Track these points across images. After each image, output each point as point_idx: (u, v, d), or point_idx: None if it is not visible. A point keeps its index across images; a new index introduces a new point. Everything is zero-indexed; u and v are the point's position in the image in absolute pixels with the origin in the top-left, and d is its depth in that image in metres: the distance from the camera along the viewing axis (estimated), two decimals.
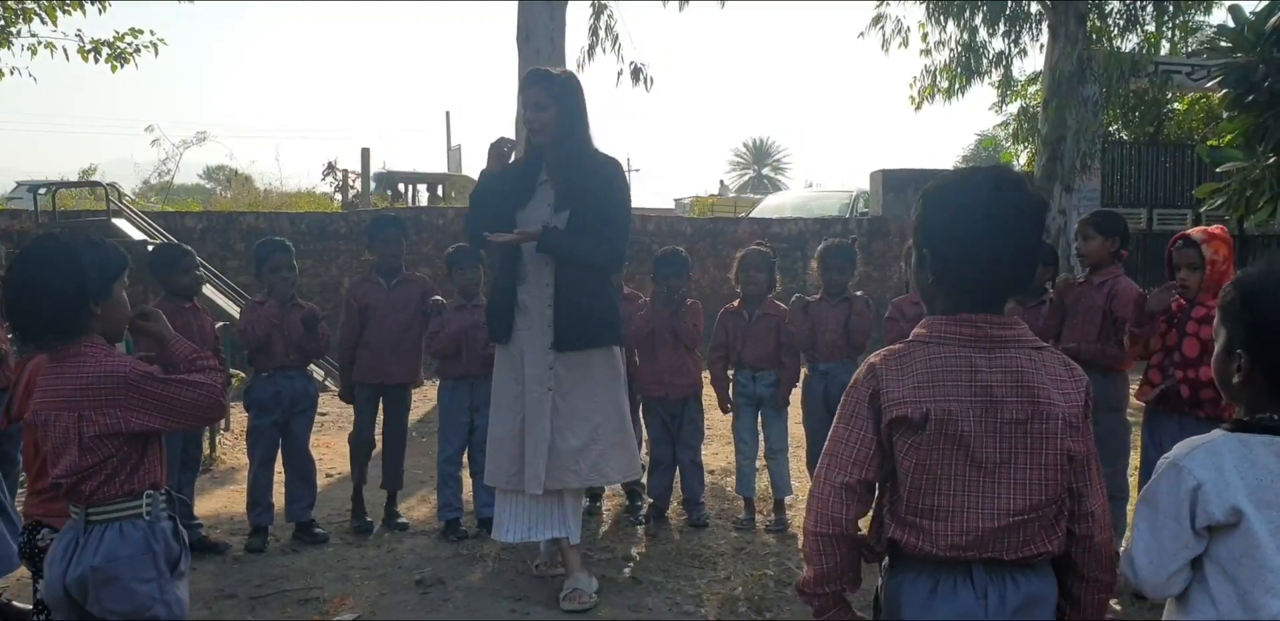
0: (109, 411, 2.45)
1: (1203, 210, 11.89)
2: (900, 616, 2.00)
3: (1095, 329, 4.56)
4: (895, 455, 1.96)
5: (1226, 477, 1.86)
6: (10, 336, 4.25)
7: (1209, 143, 13.51)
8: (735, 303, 5.50)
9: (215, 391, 2.60)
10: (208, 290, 10.57)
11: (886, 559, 2.07)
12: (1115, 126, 17.57)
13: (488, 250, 4.58)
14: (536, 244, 4.16)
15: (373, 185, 19.77)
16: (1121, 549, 2.04)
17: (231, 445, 7.26)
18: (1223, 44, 10.06)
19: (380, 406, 5.50)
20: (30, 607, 4.03)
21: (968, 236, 1.94)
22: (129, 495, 2.52)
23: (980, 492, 1.92)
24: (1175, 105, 17.57)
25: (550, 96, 4.17)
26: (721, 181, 42.74)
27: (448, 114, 28.06)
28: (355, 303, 5.43)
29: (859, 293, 5.41)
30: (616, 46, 9.98)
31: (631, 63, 9.83)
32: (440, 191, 20.22)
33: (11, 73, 10.44)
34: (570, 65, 9.24)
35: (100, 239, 2.81)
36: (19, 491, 4.39)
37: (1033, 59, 17.53)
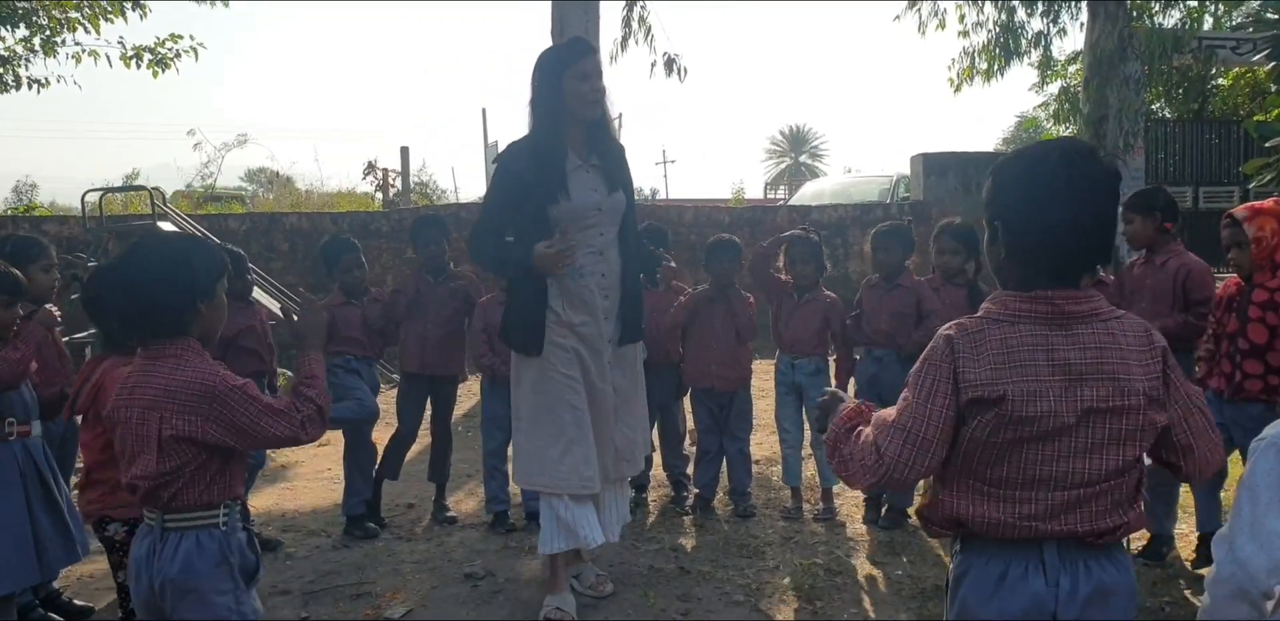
0: (189, 418, 2.44)
1: (1251, 186, 11.68)
2: (965, 600, 1.98)
3: (1167, 311, 4.39)
4: (969, 426, 1.93)
5: None
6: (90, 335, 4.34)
7: (1256, 118, 13.26)
8: (789, 284, 5.47)
9: (295, 422, 2.54)
10: (254, 291, 10.68)
11: (958, 543, 2.04)
12: (1158, 104, 17.34)
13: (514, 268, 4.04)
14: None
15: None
16: (1219, 534, 1.98)
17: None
18: (1269, 16, 9.85)
19: (428, 401, 5.54)
20: (90, 606, 4.14)
21: (1037, 210, 1.93)
22: (207, 505, 2.52)
23: (1058, 467, 1.90)
24: (1220, 81, 17.28)
25: (600, 68, 3.90)
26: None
27: (484, 111, 28.16)
28: (403, 291, 5.46)
29: (920, 278, 5.25)
30: (649, 38, 9.94)
31: (665, 53, 9.80)
32: None
33: (58, 81, 10.63)
34: (604, 58, 9.22)
35: (201, 238, 2.83)
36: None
37: (1073, 38, 17.38)
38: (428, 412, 5.54)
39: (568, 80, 3.81)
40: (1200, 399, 2.02)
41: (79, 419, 3.56)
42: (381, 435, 5.47)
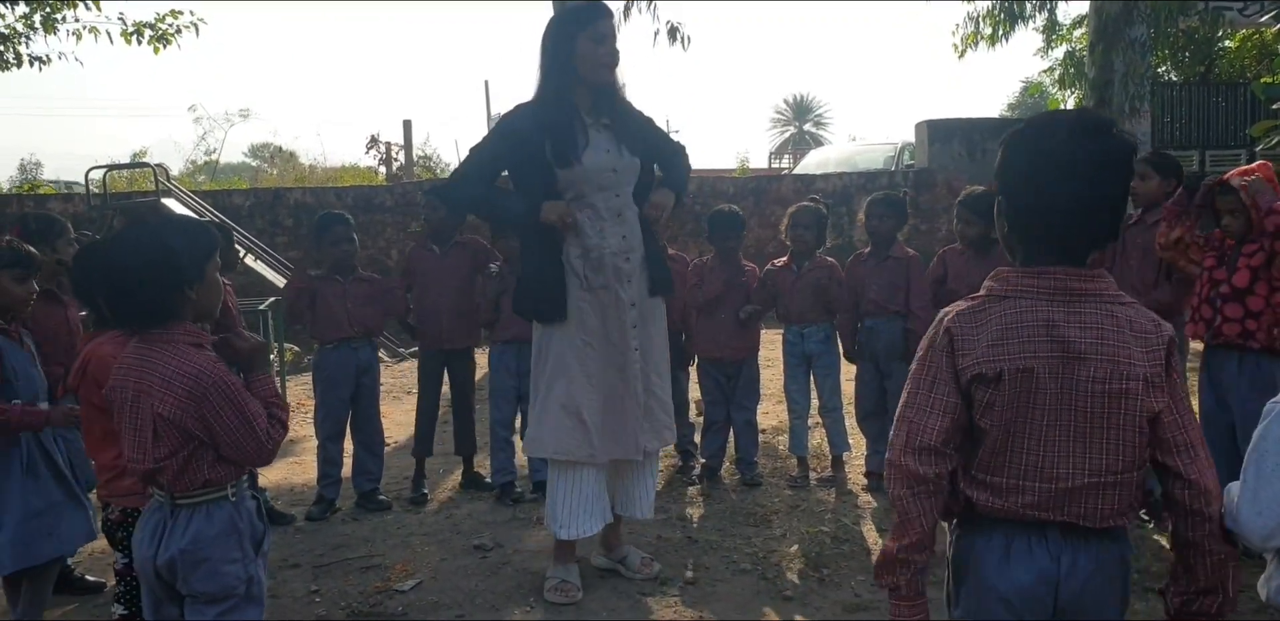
0: (178, 406, 2.43)
1: (1258, 149, 11.61)
2: (977, 577, 1.97)
3: (1152, 270, 4.46)
4: (973, 412, 1.91)
5: None
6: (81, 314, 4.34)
7: (1263, 80, 13.16)
8: (784, 259, 5.46)
9: (264, 447, 2.54)
10: (258, 265, 10.71)
11: (955, 521, 2.03)
12: (1165, 67, 17.17)
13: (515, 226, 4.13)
14: (673, 197, 4.00)
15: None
16: (1229, 486, 1.97)
17: (289, 417, 7.36)
18: None
19: (445, 374, 5.59)
20: (102, 581, 4.17)
21: (1040, 184, 1.87)
22: (216, 483, 2.52)
23: (1056, 452, 1.87)
24: (1227, 43, 17.12)
25: (615, 32, 3.87)
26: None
27: (486, 83, 28.00)
28: (407, 269, 5.58)
29: (912, 252, 5.28)
30: (652, 6, 9.90)
31: (668, 22, 9.79)
32: None
33: (59, 58, 10.61)
34: None
35: (189, 219, 2.79)
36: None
37: (1077, 1, 17.21)
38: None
39: (582, 42, 3.74)
40: (1194, 422, 1.96)
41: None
42: (390, 409, 5.52)
